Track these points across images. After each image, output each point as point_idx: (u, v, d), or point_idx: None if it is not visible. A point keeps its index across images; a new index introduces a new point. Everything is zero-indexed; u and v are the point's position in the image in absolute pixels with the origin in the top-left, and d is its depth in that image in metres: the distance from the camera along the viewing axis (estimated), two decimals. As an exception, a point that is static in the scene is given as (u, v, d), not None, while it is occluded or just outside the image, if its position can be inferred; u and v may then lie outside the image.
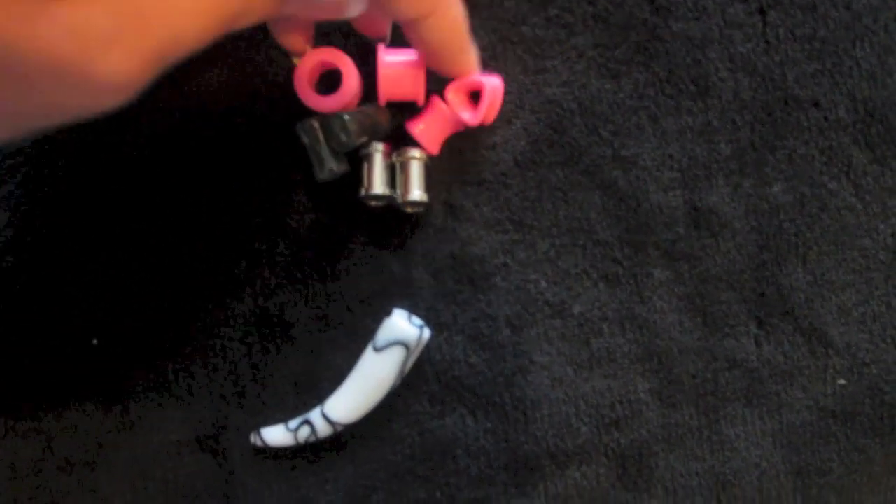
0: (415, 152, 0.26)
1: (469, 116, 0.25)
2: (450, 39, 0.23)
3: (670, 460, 0.27)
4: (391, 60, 0.25)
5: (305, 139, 0.25)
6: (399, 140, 0.26)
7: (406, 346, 0.25)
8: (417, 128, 0.26)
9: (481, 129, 0.27)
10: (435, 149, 0.26)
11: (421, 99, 0.25)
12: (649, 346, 0.27)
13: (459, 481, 0.26)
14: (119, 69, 0.19)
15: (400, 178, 0.26)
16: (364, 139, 0.25)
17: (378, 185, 0.26)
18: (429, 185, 0.26)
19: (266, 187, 0.27)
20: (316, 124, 0.25)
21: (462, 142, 0.27)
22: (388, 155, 0.26)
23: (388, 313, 0.26)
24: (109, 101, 0.19)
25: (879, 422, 0.28)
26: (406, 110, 0.26)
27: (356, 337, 0.26)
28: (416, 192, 0.26)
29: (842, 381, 0.28)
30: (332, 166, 0.25)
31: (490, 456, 0.26)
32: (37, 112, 0.20)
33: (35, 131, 0.20)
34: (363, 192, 0.26)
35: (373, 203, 0.26)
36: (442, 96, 0.25)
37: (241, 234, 0.26)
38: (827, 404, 0.27)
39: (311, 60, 0.25)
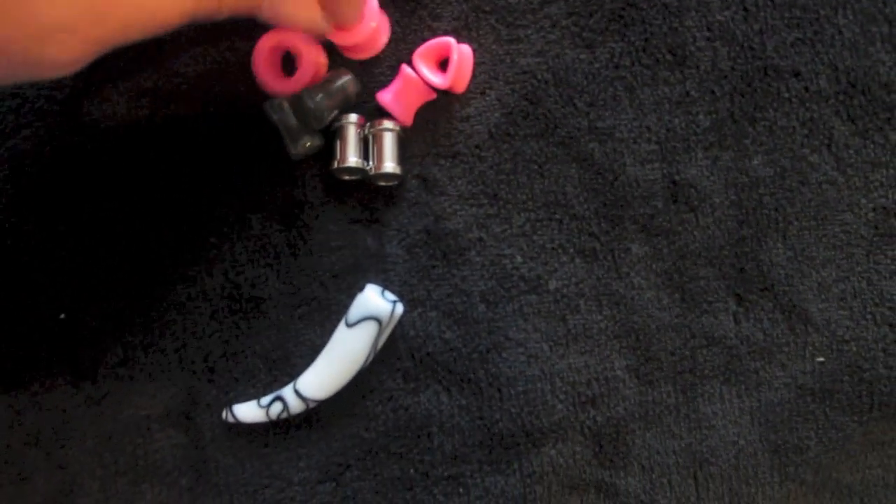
0: (388, 124, 0.25)
1: (439, 80, 0.24)
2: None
3: (647, 438, 0.27)
4: None
5: (275, 118, 0.25)
6: (372, 113, 0.26)
7: (378, 321, 0.24)
8: (387, 97, 0.25)
9: (454, 100, 0.26)
10: (408, 118, 0.26)
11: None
12: (626, 322, 0.27)
13: (434, 458, 0.26)
14: (67, 56, 0.19)
15: (373, 151, 0.25)
16: (335, 113, 0.25)
17: (351, 157, 0.25)
18: (402, 159, 0.26)
19: (237, 163, 0.26)
20: (286, 103, 0.25)
21: (436, 114, 0.26)
22: (360, 127, 0.25)
23: (361, 289, 0.25)
24: (52, 76, 0.20)
25: (858, 399, 0.27)
26: (375, 80, 0.26)
27: (329, 313, 0.26)
28: (390, 165, 0.25)
29: (821, 359, 0.27)
30: (305, 143, 0.25)
31: (465, 433, 0.26)
32: None
33: None
34: (336, 165, 0.25)
35: (346, 177, 0.26)
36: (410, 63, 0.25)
37: (212, 210, 0.26)
38: (805, 382, 0.27)
39: (267, 43, 0.25)
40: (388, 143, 0.25)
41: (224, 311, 0.26)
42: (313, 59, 0.25)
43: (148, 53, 0.26)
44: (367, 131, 0.25)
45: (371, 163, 0.25)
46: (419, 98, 0.25)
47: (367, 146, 0.26)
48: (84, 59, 0.20)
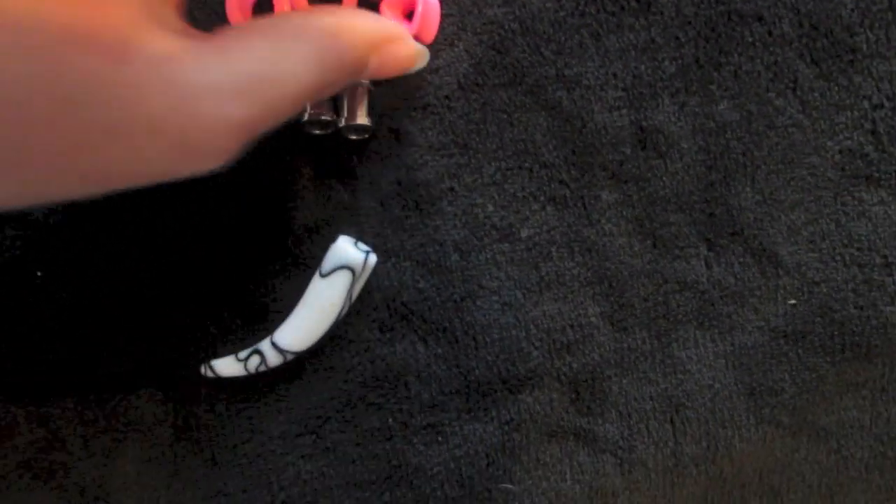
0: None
1: (407, 27, 0.24)
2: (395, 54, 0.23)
3: (623, 384, 0.27)
4: None
5: None
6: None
7: (352, 270, 0.25)
8: None
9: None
10: None
11: None
12: (599, 269, 0.27)
13: (412, 407, 0.26)
14: (220, 131, 0.17)
15: (343, 105, 0.26)
16: None
17: (322, 111, 0.25)
18: (373, 112, 0.26)
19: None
20: None
21: (405, 67, 0.26)
22: None
23: (334, 241, 0.26)
24: (194, 168, 0.18)
25: (830, 340, 0.28)
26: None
27: (305, 267, 0.26)
28: (361, 118, 0.25)
29: (792, 301, 0.28)
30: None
31: (442, 382, 0.27)
32: (102, 172, 0.17)
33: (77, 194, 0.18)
34: (305, 117, 0.25)
35: (317, 131, 0.26)
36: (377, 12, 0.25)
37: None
38: (778, 325, 0.28)
39: None
40: (357, 96, 0.25)
41: (198, 266, 0.26)
42: (286, 5, 0.25)
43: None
44: None
45: (342, 116, 0.26)
46: None
47: (337, 101, 0.26)
48: (237, 143, 0.18)
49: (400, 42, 0.23)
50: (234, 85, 0.17)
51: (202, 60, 0.17)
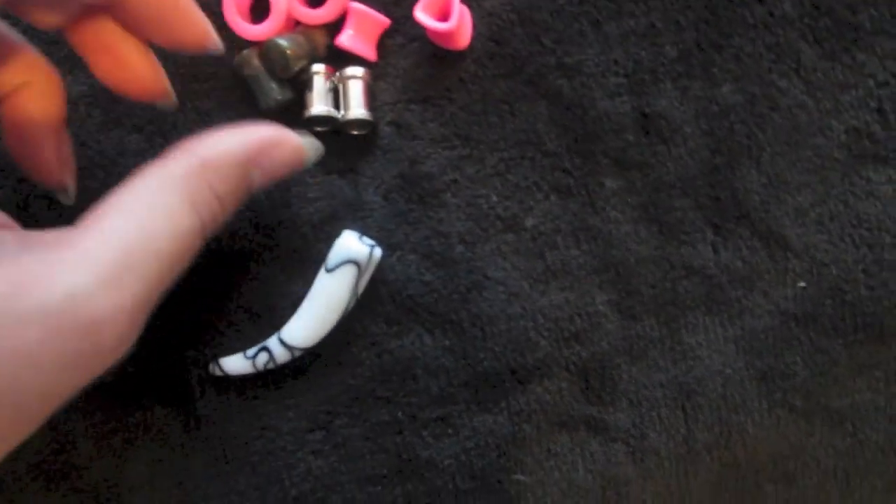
0: (355, 70, 0.25)
1: (446, 25, 0.24)
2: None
3: (633, 372, 0.27)
4: None
5: (245, 71, 0.25)
6: (341, 62, 0.26)
7: (357, 264, 0.25)
8: (345, 38, 0.26)
9: (424, 45, 0.26)
10: (371, 53, 0.26)
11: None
12: (605, 257, 0.27)
13: (421, 401, 0.26)
14: (119, 324, 0.18)
15: (342, 99, 0.26)
16: (304, 63, 0.25)
17: (319, 106, 0.25)
18: (372, 105, 0.26)
19: (209, 117, 0.26)
20: (253, 55, 0.25)
21: (405, 60, 0.26)
22: (329, 77, 0.26)
23: (339, 236, 0.26)
24: (110, 361, 0.19)
25: (841, 322, 0.27)
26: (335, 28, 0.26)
27: (310, 263, 0.26)
28: (358, 111, 0.25)
29: (802, 284, 0.27)
30: (275, 96, 0.25)
31: (450, 374, 0.26)
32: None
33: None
34: (306, 115, 0.25)
35: (317, 128, 0.26)
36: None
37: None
38: (788, 307, 0.27)
39: None
40: (356, 90, 0.25)
41: (205, 264, 0.26)
42: (283, 5, 0.25)
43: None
44: (335, 81, 0.26)
45: (341, 111, 0.26)
46: (375, 29, 0.26)
47: (337, 96, 0.26)
48: (140, 323, 0.19)
49: (278, 146, 0.22)
50: (108, 277, 0.17)
51: (64, 266, 0.17)
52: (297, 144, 0.23)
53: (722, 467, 0.28)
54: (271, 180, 0.22)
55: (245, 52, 0.25)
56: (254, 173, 0.21)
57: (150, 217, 0.19)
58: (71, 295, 0.17)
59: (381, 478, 0.26)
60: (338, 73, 0.26)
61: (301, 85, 0.26)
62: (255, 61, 0.25)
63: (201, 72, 0.26)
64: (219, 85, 0.26)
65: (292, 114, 0.26)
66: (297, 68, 0.25)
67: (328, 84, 0.26)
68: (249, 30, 0.25)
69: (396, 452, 0.26)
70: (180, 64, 0.26)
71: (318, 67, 0.25)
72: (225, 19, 0.25)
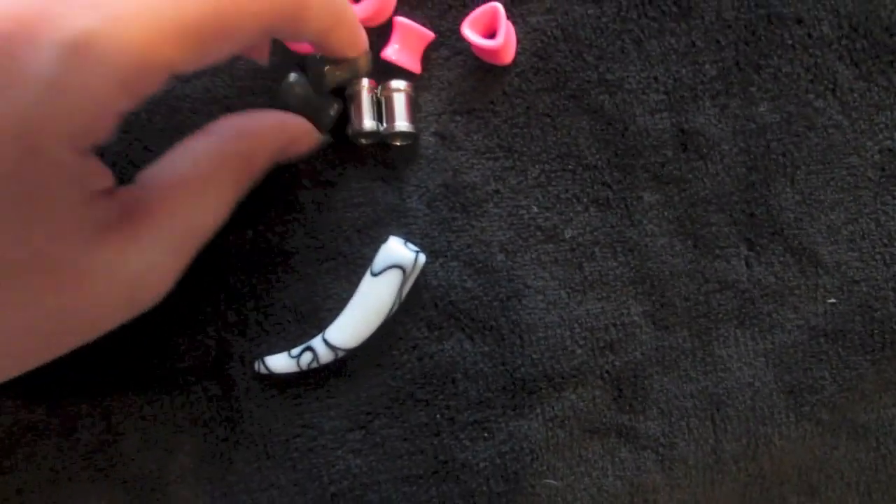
0: (398, 84, 0.26)
1: (493, 42, 0.25)
2: (347, 38, 0.24)
3: (664, 382, 0.28)
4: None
5: (291, 102, 0.26)
6: (384, 75, 0.27)
7: (402, 268, 0.25)
8: (391, 52, 0.26)
9: (467, 59, 0.27)
10: (416, 66, 0.27)
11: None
12: (641, 269, 0.28)
13: (459, 404, 0.27)
14: (158, 285, 0.21)
15: (385, 112, 0.26)
16: (343, 79, 0.26)
17: (365, 121, 0.26)
18: (415, 117, 0.27)
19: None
20: (295, 84, 0.25)
21: (448, 72, 0.27)
22: (372, 91, 0.26)
23: (384, 241, 0.26)
24: (142, 308, 0.22)
25: (870, 339, 0.28)
26: (377, 42, 0.27)
27: (355, 266, 0.27)
28: (401, 124, 0.26)
29: (832, 300, 0.28)
30: (328, 112, 0.26)
31: (488, 379, 0.27)
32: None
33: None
34: (350, 130, 0.26)
35: (362, 140, 0.27)
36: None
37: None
38: (818, 323, 0.28)
39: None
40: (399, 103, 0.26)
41: (253, 265, 0.27)
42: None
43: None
44: (378, 95, 0.26)
45: (384, 124, 0.26)
46: (420, 43, 0.27)
47: (380, 108, 0.27)
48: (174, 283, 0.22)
49: (305, 137, 0.25)
50: (166, 253, 0.21)
51: (138, 247, 0.20)
52: (316, 138, 0.26)
53: (748, 478, 0.28)
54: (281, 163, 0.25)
55: (285, 80, 0.26)
56: (278, 156, 0.24)
57: (204, 205, 0.22)
58: (133, 275, 0.20)
59: (417, 478, 0.27)
60: (380, 87, 0.26)
61: (344, 98, 0.26)
62: (298, 88, 0.26)
63: (257, 85, 0.27)
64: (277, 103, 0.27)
65: (336, 122, 0.27)
66: (334, 82, 0.26)
67: (371, 97, 0.26)
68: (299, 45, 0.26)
69: (433, 454, 0.27)
70: (236, 77, 0.27)
71: (363, 83, 0.26)
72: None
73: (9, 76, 0.17)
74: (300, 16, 0.21)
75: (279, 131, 0.24)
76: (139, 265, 0.20)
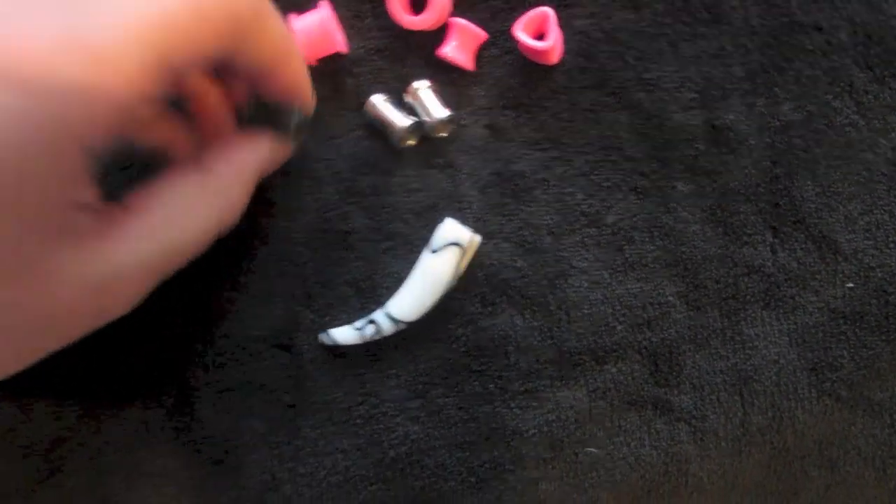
0: (419, 83, 0.29)
1: (544, 44, 0.28)
2: (296, 77, 0.24)
3: (697, 359, 0.30)
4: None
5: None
6: (442, 71, 0.29)
7: (460, 246, 0.28)
8: (448, 50, 0.29)
9: (516, 59, 0.30)
10: (470, 63, 0.29)
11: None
12: (676, 253, 0.30)
13: (511, 375, 0.29)
14: (127, 303, 0.21)
15: (420, 110, 0.29)
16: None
17: (401, 121, 0.28)
18: (447, 104, 0.29)
19: (324, 120, 0.29)
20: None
21: (499, 70, 0.30)
22: (390, 100, 0.29)
23: (441, 223, 0.29)
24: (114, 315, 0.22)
25: (885, 321, 0.30)
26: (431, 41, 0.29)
27: (412, 247, 0.29)
28: (439, 111, 0.29)
29: (850, 285, 0.30)
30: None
31: (537, 351, 0.29)
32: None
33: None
34: (393, 137, 0.29)
35: (410, 142, 0.29)
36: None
37: (303, 162, 0.29)
38: (837, 306, 0.30)
39: None
40: (428, 96, 0.29)
41: (317, 243, 0.29)
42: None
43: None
44: (406, 99, 0.29)
45: (423, 118, 0.29)
46: (474, 42, 0.29)
47: (413, 110, 0.29)
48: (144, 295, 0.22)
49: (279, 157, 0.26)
50: (137, 266, 0.20)
51: (107, 257, 0.20)
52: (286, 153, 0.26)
53: (773, 450, 0.30)
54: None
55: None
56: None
57: (182, 226, 0.22)
58: (101, 282, 0.20)
59: (470, 444, 0.29)
60: (404, 93, 0.29)
61: (376, 120, 0.29)
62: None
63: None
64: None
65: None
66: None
67: (392, 103, 0.29)
68: (411, 21, 0.28)
69: (486, 421, 0.29)
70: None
71: (378, 97, 0.29)
72: (388, 9, 0.29)
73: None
74: (253, 34, 0.20)
75: (259, 153, 0.24)
76: (106, 274, 0.20)
